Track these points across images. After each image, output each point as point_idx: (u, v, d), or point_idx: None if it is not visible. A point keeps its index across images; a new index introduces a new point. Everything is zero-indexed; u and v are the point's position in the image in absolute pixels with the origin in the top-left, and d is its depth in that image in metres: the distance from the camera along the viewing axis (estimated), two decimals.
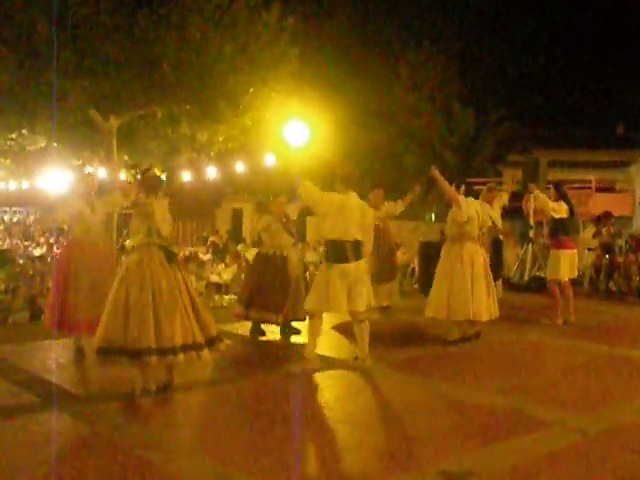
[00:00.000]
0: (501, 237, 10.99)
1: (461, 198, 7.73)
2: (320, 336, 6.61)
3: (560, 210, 9.29)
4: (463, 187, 8.02)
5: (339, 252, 6.32)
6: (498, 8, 28.57)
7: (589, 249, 12.99)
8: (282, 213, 7.89)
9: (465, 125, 25.52)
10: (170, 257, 5.57)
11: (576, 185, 18.69)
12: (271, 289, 7.64)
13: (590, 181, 19.28)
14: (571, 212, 9.36)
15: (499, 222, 10.48)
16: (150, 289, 5.34)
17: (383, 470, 4.12)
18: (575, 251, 9.54)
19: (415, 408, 5.44)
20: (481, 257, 7.78)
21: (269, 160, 15.66)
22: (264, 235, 7.94)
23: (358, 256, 6.38)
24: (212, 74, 10.12)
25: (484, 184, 9.66)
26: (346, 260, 6.29)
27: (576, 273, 9.51)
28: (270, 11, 11.03)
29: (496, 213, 10.53)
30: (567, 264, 9.28)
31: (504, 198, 10.78)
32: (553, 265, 9.40)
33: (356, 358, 6.62)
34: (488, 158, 25.43)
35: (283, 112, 11.58)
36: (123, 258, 5.69)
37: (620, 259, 12.98)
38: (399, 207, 9.49)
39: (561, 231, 9.34)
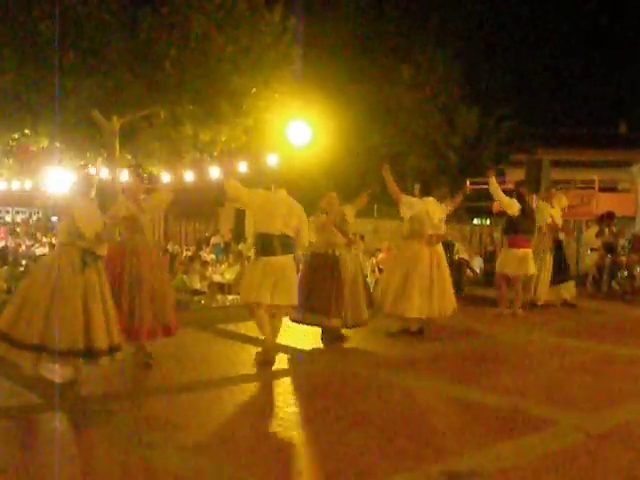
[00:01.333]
0: (561, 237, 10.76)
1: (403, 197, 7.82)
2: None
3: (510, 206, 9.54)
4: (418, 186, 8.18)
5: (266, 245, 6.57)
6: (501, 8, 28.54)
7: (592, 249, 12.97)
8: (335, 210, 7.63)
9: (468, 125, 25.49)
10: (86, 260, 5.60)
11: (579, 185, 18.65)
12: (322, 291, 7.36)
13: (593, 181, 19.24)
14: (523, 212, 9.61)
15: (559, 221, 10.57)
16: (49, 289, 5.43)
17: (385, 469, 4.11)
18: (528, 250, 9.75)
19: (417, 408, 5.44)
20: (426, 256, 7.80)
21: (272, 160, 15.68)
22: (317, 234, 7.65)
23: (285, 250, 6.60)
24: (215, 75, 10.11)
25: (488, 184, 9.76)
26: (272, 253, 6.52)
27: (530, 271, 9.72)
28: (272, 11, 11.02)
29: (556, 213, 10.61)
30: (515, 261, 9.60)
31: (564, 199, 10.92)
32: (501, 260, 9.83)
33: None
34: (491, 158, 25.39)
35: (285, 113, 11.57)
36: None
37: (623, 259, 12.95)
38: (449, 208, 9.40)
39: (512, 229, 9.67)
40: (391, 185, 7.85)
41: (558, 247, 10.61)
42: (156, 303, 6.28)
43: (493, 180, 9.53)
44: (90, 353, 5.46)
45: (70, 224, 5.62)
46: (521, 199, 9.72)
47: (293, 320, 7.64)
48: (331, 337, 7.67)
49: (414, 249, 7.81)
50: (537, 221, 10.26)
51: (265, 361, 6.57)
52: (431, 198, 8.05)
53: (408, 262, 7.80)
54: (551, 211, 10.48)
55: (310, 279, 7.53)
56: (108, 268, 6.38)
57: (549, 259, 10.41)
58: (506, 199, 9.58)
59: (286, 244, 6.62)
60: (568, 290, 10.66)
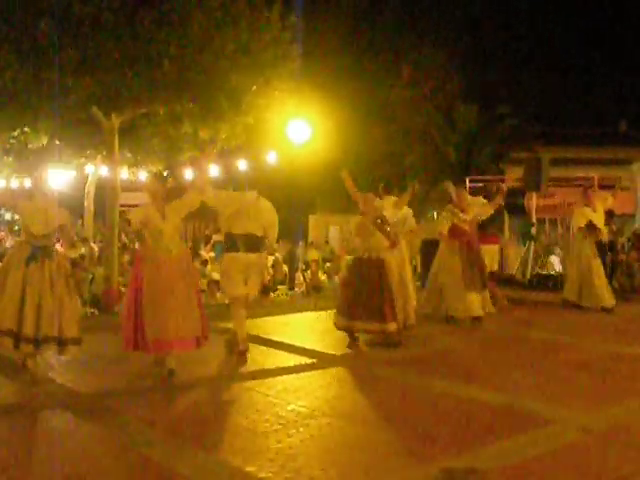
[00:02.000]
0: (603, 239, 10.45)
1: (360, 196, 7.74)
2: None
3: (484, 212, 9.50)
4: (382, 186, 8.41)
5: (230, 244, 6.92)
6: (501, 5, 28.51)
7: None
8: (376, 212, 7.52)
9: (467, 123, 25.45)
10: (35, 255, 5.95)
11: (579, 183, 18.67)
12: (372, 297, 7.21)
13: (593, 179, 19.25)
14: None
15: (601, 224, 10.17)
16: (3, 281, 5.92)
17: (385, 468, 4.12)
18: (495, 246, 10.07)
19: (417, 406, 5.44)
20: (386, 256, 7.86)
21: (271, 158, 15.70)
22: (357, 238, 7.53)
23: (251, 248, 6.87)
24: (214, 72, 10.07)
25: (489, 181, 9.91)
26: (236, 250, 6.84)
27: (496, 267, 10.07)
28: (272, 10, 10.99)
29: (598, 216, 10.12)
30: (488, 257, 9.69)
31: (609, 201, 10.40)
32: None
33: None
34: (490, 156, 25.36)
35: (285, 111, 11.56)
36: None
37: (623, 257, 12.96)
38: (488, 209, 9.28)
39: (481, 226, 9.67)
40: (349, 185, 7.76)
41: (600, 251, 10.35)
42: (181, 314, 6.02)
43: (450, 184, 9.60)
44: (19, 337, 5.84)
45: (23, 223, 6.05)
46: (488, 197, 9.81)
47: (339, 328, 7.48)
48: (384, 342, 7.42)
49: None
50: (572, 226, 10.26)
51: (235, 349, 6.96)
52: (393, 197, 8.22)
53: None
54: (589, 215, 10.18)
55: (355, 285, 7.36)
56: (132, 280, 6.26)
57: (595, 264, 10.18)
58: (469, 199, 9.52)
59: (251, 243, 6.87)
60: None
